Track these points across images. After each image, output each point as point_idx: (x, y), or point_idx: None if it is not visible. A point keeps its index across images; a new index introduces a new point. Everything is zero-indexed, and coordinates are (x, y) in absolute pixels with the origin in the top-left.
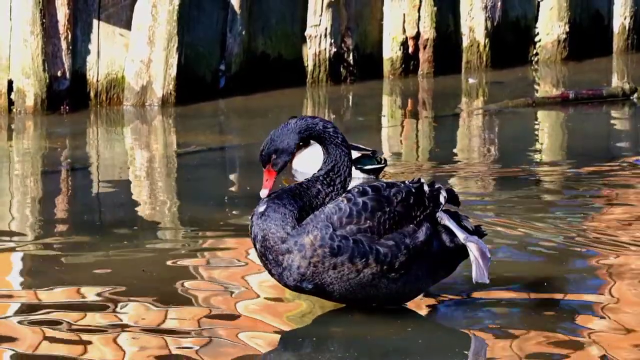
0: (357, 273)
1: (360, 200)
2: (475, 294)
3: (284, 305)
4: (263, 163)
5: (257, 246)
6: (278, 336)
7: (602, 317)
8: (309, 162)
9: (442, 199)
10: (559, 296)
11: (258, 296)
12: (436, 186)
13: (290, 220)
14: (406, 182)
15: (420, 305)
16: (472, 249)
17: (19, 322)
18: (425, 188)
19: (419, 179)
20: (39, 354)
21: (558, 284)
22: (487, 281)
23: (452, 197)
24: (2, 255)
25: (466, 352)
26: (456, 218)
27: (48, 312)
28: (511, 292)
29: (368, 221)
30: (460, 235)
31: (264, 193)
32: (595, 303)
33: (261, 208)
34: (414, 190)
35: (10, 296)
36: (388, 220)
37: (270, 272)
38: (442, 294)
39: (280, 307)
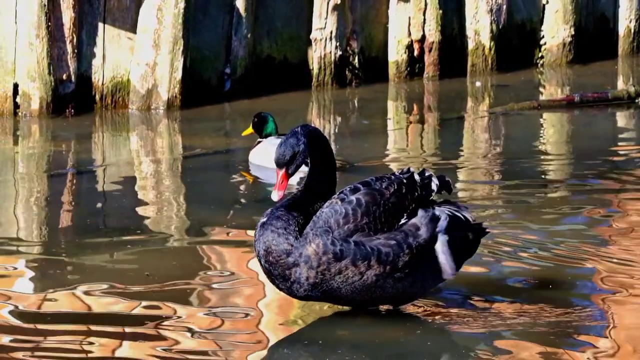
0: (360, 275)
1: (353, 197)
2: (483, 297)
3: (289, 308)
4: (283, 165)
5: (262, 262)
6: (284, 340)
7: (607, 321)
8: (263, 155)
9: (433, 186)
10: (564, 300)
11: (263, 299)
12: (426, 174)
13: (293, 229)
14: (396, 173)
15: (427, 308)
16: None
17: (22, 323)
18: (416, 177)
19: (409, 169)
20: (41, 357)
21: (563, 288)
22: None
23: (445, 185)
24: (7, 258)
25: (474, 355)
26: (456, 208)
27: (51, 314)
28: (518, 295)
29: (365, 217)
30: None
31: (279, 195)
32: (600, 306)
33: (263, 219)
34: (405, 181)
35: (13, 298)
36: (383, 213)
37: (277, 287)
38: (449, 297)
39: (285, 310)
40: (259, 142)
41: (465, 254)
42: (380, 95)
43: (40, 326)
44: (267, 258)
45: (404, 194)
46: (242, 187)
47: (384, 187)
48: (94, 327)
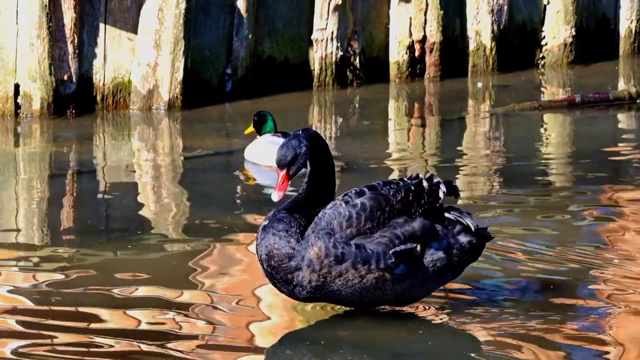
0: (360, 278)
1: (358, 201)
2: (485, 297)
3: (291, 309)
4: (284, 166)
5: (264, 266)
6: (285, 340)
7: (608, 322)
8: (258, 152)
9: (441, 194)
10: (565, 300)
11: (264, 299)
12: (435, 181)
13: (295, 232)
14: (404, 179)
15: (430, 308)
16: None
17: (23, 322)
18: (425, 184)
19: (417, 175)
20: (42, 357)
21: (564, 289)
22: None
23: (452, 189)
24: (7, 258)
25: (476, 355)
26: (459, 214)
27: (52, 315)
28: (518, 296)
29: (368, 222)
30: None
31: (279, 195)
32: (600, 307)
33: (265, 222)
34: (413, 188)
35: (13, 298)
36: (387, 220)
37: (279, 290)
38: (450, 297)
39: (287, 311)
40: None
41: (469, 258)
42: (381, 96)
43: (41, 326)
44: (270, 262)
45: (410, 201)
46: (242, 188)
47: (391, 193)
48: (94, 327)
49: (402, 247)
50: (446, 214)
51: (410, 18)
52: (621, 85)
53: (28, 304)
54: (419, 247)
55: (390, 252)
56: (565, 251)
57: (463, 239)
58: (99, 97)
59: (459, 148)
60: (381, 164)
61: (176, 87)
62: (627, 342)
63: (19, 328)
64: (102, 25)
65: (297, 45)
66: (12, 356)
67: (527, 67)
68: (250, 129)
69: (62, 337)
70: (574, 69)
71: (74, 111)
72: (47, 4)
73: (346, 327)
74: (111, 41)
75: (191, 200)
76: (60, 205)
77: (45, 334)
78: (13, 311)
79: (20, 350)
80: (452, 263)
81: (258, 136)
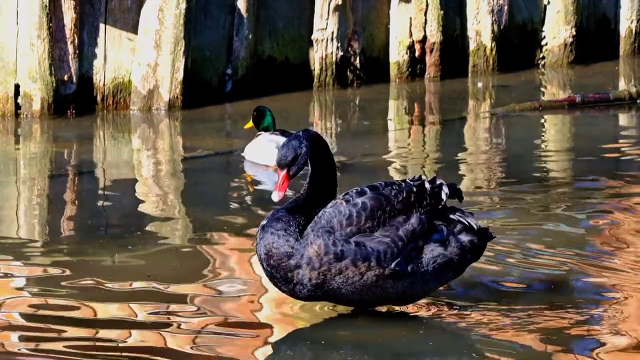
0: (360, 276)
1: (359, 200)
2: (485, 297)
3: (291, 309)
4: (285, 166)
5: (264, 265)
6: (286, 340)
7: (607, 322)
8: (256, 152)
9: (443, 196)
10: (566, 299)
11: (264, 299)
12: (438, 182)
13: (293, 230)
14: (407, 180)
15: (430, 308)
16: None
17: (24, 323)
18: (427, 185)
19: (420, 177)
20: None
21: (564, 290)
22: None
23: (455, 192)
24: (7, 258)
25: (476, 355)
26: (461, 214)
27: (52, 316)
28: (519, 296)
29: (368, 221)
30: None
31: (279, 196)
32: (601, 308)
33: (264, 222)
34: (415, 189)
35: (14, 298)
36: (388, 219)
37: (280, 289)
38: (452, 297)
39: (287, 311)
40: (259, 135)
41: (470, 257)
42: (381, 96)
43: (40, 326)
44: (269, 261)
45: (412, 202)
46: (242, 188)
47: (392, 194)
48: (94, 327)
49: (403, 254)
50: (450, 215)
51: (411, 18)
52: (621, 85)
53: (24, 305)
54: (420, 243)
55: (393, 265)
56: (566, 250)
57: (464, 238)
58: (99, 98)
59: (459, 148)
60: (381, 163)
61: (176, 87)
62: (628, 342)
63: (22, 322)
64: (102, 26)
65: (297, 45)
66: (15, 349)
67: (527, 67)
68: (250, 124)
69: (63, 333)
70: (574, 69)
71: (74, 111)
72: (47, 4)
73: (346, 327)
74: (111, 41)
75: (191, 200)
76: (61, 205)
77: (46, 329)
78: (15, 307)
79: (22, 344)
80: (452, 261)
81: (257, 131)
